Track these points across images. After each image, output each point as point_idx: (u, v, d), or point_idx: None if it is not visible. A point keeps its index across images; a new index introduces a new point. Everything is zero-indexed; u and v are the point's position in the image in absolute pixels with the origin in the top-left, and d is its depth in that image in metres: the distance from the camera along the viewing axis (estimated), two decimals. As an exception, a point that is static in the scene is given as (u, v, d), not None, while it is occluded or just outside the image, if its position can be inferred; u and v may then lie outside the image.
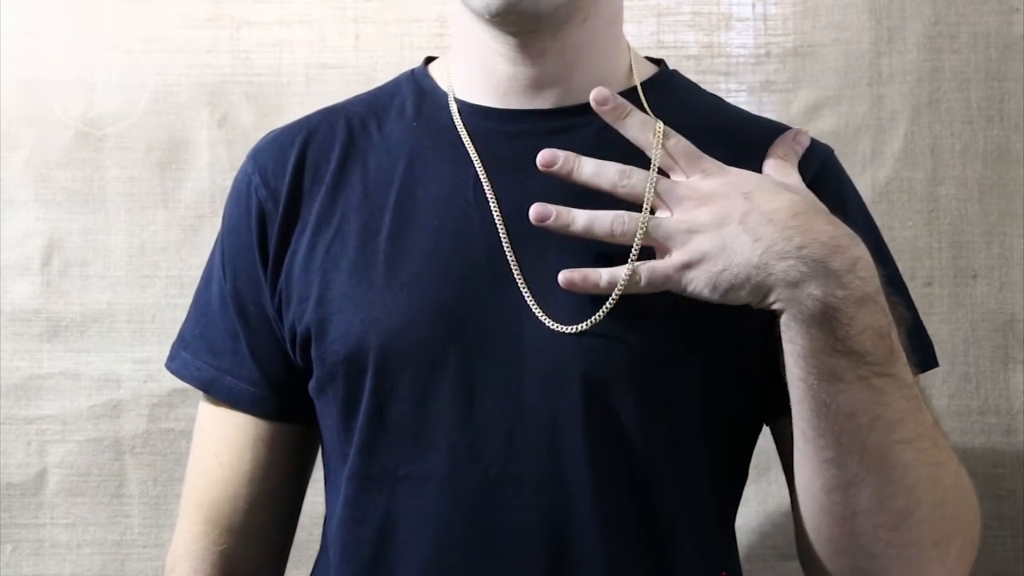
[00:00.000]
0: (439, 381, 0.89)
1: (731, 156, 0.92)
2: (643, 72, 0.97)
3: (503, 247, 0.89)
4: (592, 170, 0.85)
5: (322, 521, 1.00)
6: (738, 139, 0.94)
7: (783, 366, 0.85)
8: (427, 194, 0.92)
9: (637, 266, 0.84)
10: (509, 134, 0.93)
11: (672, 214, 0.84)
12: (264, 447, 0.99)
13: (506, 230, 0.90)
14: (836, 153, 0.98)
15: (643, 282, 0.84)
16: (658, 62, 1.00)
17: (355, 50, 1.40)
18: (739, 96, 1.36)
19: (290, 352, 0.95)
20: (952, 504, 0.86)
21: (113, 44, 1.40)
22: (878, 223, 1.00)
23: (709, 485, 0.92)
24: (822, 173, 0.94)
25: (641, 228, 0.83)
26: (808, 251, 0.80)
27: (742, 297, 0.82)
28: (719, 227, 0.81)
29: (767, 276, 0.80)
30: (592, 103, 0.85)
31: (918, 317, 0.98)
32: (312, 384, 0.94)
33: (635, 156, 0.87)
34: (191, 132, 1.40)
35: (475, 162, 0.92)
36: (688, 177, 0.85)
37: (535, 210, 0.85)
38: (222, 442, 1.00)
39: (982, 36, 1.35)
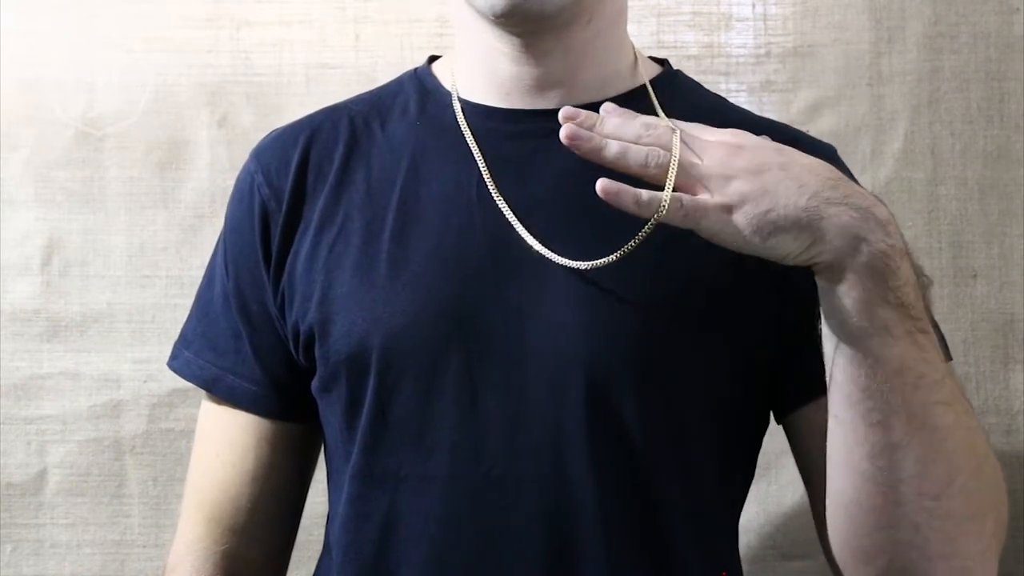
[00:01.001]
0: (442, 381, 0.89)
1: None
2: (648, 72, 0.97)
3: (507, 246, 0.89)
4: (615, 123, 0.82)
5: (322, 521, 1.00)
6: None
7: (799, 360, 0.85)
8: (430, 193, 0.92)
9: (681, 195, 0.79)
10: (513, 134, 0.93)
11: (705, 161, 0.80)
12: (266, 446, 0.99)
13: (510, 230, 0.90)
14: (836, 149, 0.98)
15: (683, 211, 0.79)
16: (662, 62, 1.00)
17: (355, 50, 1.40)
18: (739, 96, 1.36)
19: (293, 351, 0.95)
20: (987, 475, 0.86)
21: (113, 44, 1.40)
22: (878, 223, 1.00)
23: (712, 486, 0.92)
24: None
25: (655, 159, 0.80)
26: (854, 199, 0.79)
27: (787, 243, 0.79)
28: (758, 173, 0.79)
29: (819, 219, 0.78)
30: (560, 119, 0.82)
31: (931, 313, 0.98)
32: (315, 383, 0.94)
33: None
34: (191, 132, 1.40)
35: (479, 161, 0.92)
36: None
37: (565, 130, 0.80)
38: (224, 441, 1.00)
39: (982, 36, 1.35)
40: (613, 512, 0.89)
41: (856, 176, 1.01)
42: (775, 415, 0.97)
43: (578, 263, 0.87)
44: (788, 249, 0.80)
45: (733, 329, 0.90)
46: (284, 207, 0.95)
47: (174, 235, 1.40)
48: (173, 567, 1.01)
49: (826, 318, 0.82)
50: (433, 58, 1.01)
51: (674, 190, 0.79)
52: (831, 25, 1.37)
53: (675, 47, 1.38)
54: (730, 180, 0.79)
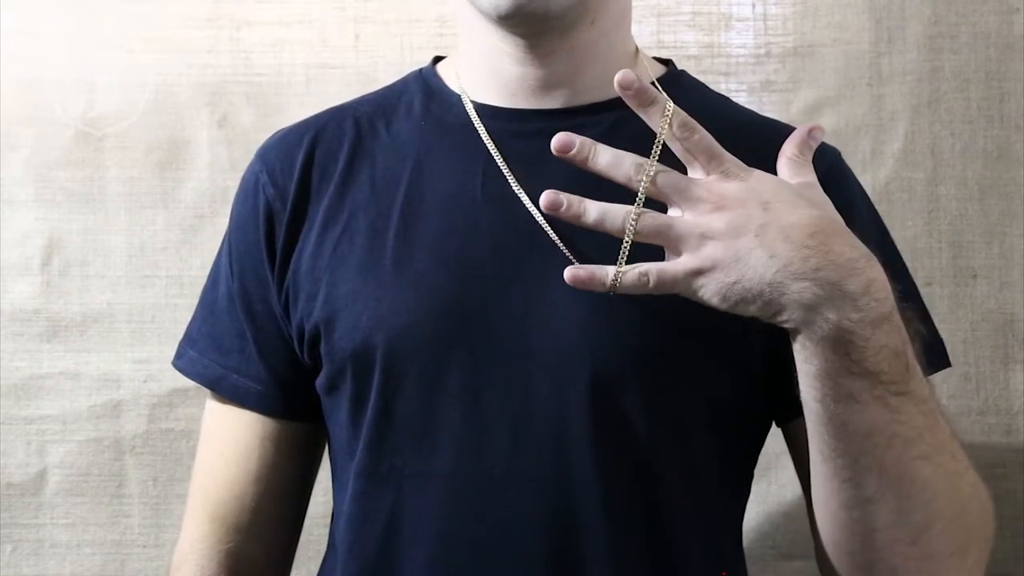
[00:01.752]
0: (446, 379, 0.89)
1: (738, 156, 0.92)
2: (653, 72, 0.97)
3: (511, 246, 0.90)
4: (608, 160, 0.80)
5: (323, 521, 1.01)
6: (745, 140, 0.94)
7: (797, 385, 0.83)
8: (435, 193, 0.93)
9: (647, 268, 0.79)
10: (517, 134, 0.93)
11: (685, 214, 0.79)
12: (271, 445, 0.99)
13: (515, 229, 0.90)
14: (840, 152, 0.98)
15: (651, 284, 0.79)
16: (666, 62, 1.01)
17: (355, 50, 1.40)
18: (739, 96, 1.36)
19: (297, 350, 0.96)
20: (971, 513, 0.86)
21: (113, 44, 1.40)
22: (879, 223, 1.00)
23: (715, 486, 0.93)
24: (830, 176, 0.94)
25: (632, 224, 0.79)
26: (824, 274, 0.77)
27: (752, 311, 0.79)
28: (734, 237, 0.78)
29: (780, 295, 0.77)
30: (616, 86, 0.81)
31: (929, 318, 0.98)
32: (321, 381, 0.95)
33: (643, 155, 0.87)
34: (191, 132, 1.40)
35: (497, 159, 0.92)
36: (707, 175, 0.80)
37: (546, 197, 0.80)
38: (229, 441, 1.00)
39: (982, 36, 1.35)
40: (616, 510, 0.89)
41: (856, 176, 1.01)
42: (776, 420, 0.97)
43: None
44: (754, 315, 0.80)
45: (736, 333, 0.90)
46: (289, 206, 0.95)
47: (174, 235, 1.40)
48: (178, 566, 1.01)
49: (799, 376, 0.82)
50: (438, 58, 1.02)
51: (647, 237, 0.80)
52: (831, 25, 1.37)
53: (675, 47, 1.38)
54: (705, 241, 0.78)
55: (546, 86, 0.93)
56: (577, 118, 0.92)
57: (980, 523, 0.88)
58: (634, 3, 1.04)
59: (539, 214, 0.90)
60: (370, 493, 0.92)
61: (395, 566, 0.91)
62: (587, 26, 0.91)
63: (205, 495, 1.01)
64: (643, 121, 0.93)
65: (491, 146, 0.93)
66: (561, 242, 0.89)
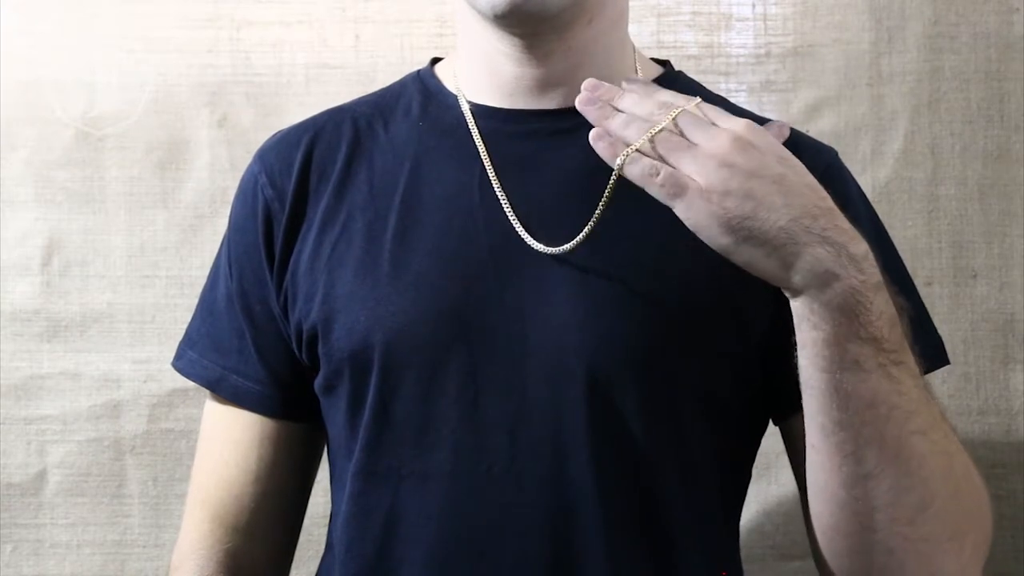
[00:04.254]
0: (443, 379, 0.89)
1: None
2: (649, 73, 0.97)
3: (508, 246, 0.90)
4: (633, 100, 0.83)
5: (321, 521, 1.01)
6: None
7: (796, 365, 0.84)
8: (432, 194, 0.93)
9: (660, 165, 0.79)
10: (515, 134, 0.93)
11: (706, 147, 0.80)
12: (270, 446, 0.99)
13: (512, 230, 0.90)
14: (837, 152, 0.98)
15: (659, 179, 0.79)
16: (664, 63, 1.01)
17: (355, 50, 1.40)
18: (739, 96, 1.36)
19: (296, 350, 0.96)
20: (966, 496, 0.86)
21: (113, 44, 1.40)
22: (878, 223, 1.00)
23: (712, 484, 0.93)
24: (827, 176, 0.94)
25: (649, 136, 0.80)
26: (832, 234, 0.79)
27: (758, 257, 0.79)
28: (751, 175, 0.78)
29: (792, 245, 0.78)
30: (579, 102, 0.83)
31: (928, 316, 0.98)
32: (318, 382, 0.95)
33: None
34: (191, 132, 1.40)
35: (485, 162, 0.92)
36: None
37: (582, 97, 0.83)
38: (228, 441, 1.00)
39: (982, 36, 1.35)
40: (614, 510, 0.89)
41: (856, 176, 1.01)
42: (773, 418, 0.97)
43: (551, 249, 0.88)
44: (760, 264, 0.79)
45: (732, 331, 0.90)
46: (287, 208, 0.95)
47: (174, 235, 1.40)
48: (177, 566, 1.01)
49: (799, 349, 0.82)
50: (436, 60, 1.02)
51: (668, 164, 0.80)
52: (831, 25, 1.37)
53: (675, 47, 1.38)
54: (721, 170, 0.78)
55: (543, 86, 0.93)
56: (574, 118, 0.92)
57: (975, 509, 0.88)
58: (634, 3, 1.04)
59: (515, 218, 0.90)
60: (368, 493, 0.92)
61: (393, 566, 0.91)
62: (584, 26, 0.91)
63: (205, 495, 1.01)
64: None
65: (487, 147, 0.93)
66: (540, 243, 0.89)
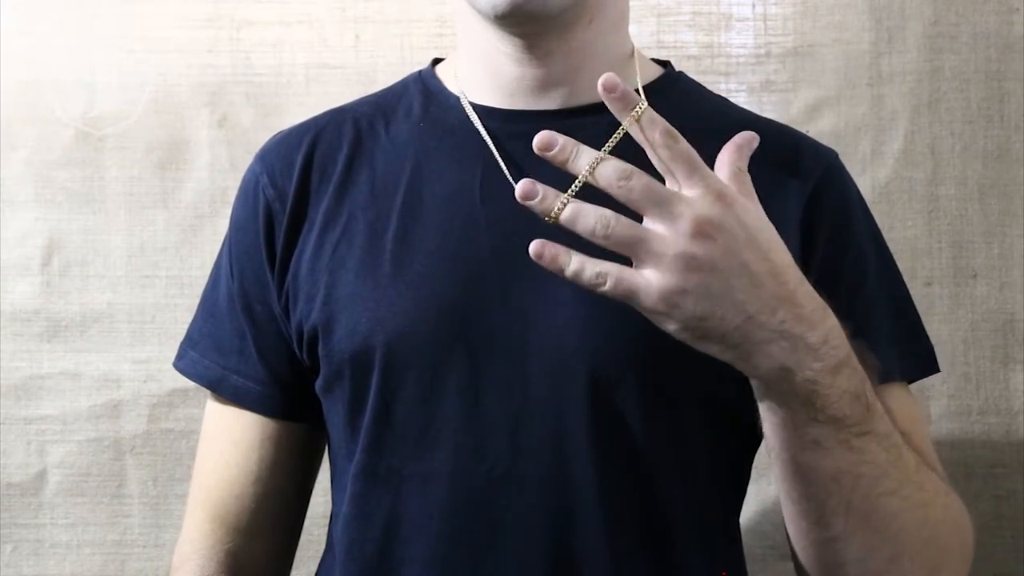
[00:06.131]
0: (445, 380, 0.89)
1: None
2: (648, 74, 0.97)
3: (510, 247, 0.90)
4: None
5: (322, 521, 1.01)
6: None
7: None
8: (433, 194, 0.93)
9: (608, 269, 0.74)
10: (515, 134, 0.93)
11: (662, 229, 0.74)
12: (271, 446, 0.99)
13: (514, 231, 0.90)
14: (838, 154, 0.98)
15: (607, 287, 0.74)
16: (664, 63, 1.00)
17: (355, 50, 1.40)
18: (739, 96, 1.36)
19: (297, 351, 0.96)
20: (943, 536, 0.87)
21: (113, 44, 1.40)
22: (878, 223, 1.00)
23: (713, 485, 0.93)
24: (827, 176, 0.94)
25: (605, 229, 0.73)
26: (788, 326, 0.76)
27: (715, 352, 0.77)
28: (710, 270, 0.74)
29: (746, 343, 0.76)
30: (600, 88, 0.76)
31: (919, 322, 0.98)
32: (319, 383, 0.95)
33: (640, 156, 0.87)
34: (191, 132, 1.40)
35: (499, 160, 0.92)
36: (687, 189, 0.75)
37: (521, 186, 0.75)
38: (229, 441, 1.00)
39: (982, 36, 1.35)
40: (614, 511, 0.89)
41: (856, 176, 1.01)
42: None
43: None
44: (715, 355, 0.78)
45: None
46: (288, 208, 0.95)
47: (174, 235, 1.40)
48: (178, 566, 1.01)
49: (761, 418, 0.82)
50: (437, 60, 1.02)
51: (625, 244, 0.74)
52: (831, 25, 1.37)
53: (675, 47, 1.38)
54: (680, 266, 0.73)
55: (544, 86, 0.93)
56: (575, 119, 0.92)
57: (953, 543, 0.89)
58: (634, 3, 1.04)
59: (535, 215, 0.90)
60: (369, 494, 0.92)
61: (394, 567, 0.91)
62: (584, 26, 0.91)
63: (205, 495, 1.01)
64: None
65: (490, 147, 0.93)
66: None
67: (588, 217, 0.74)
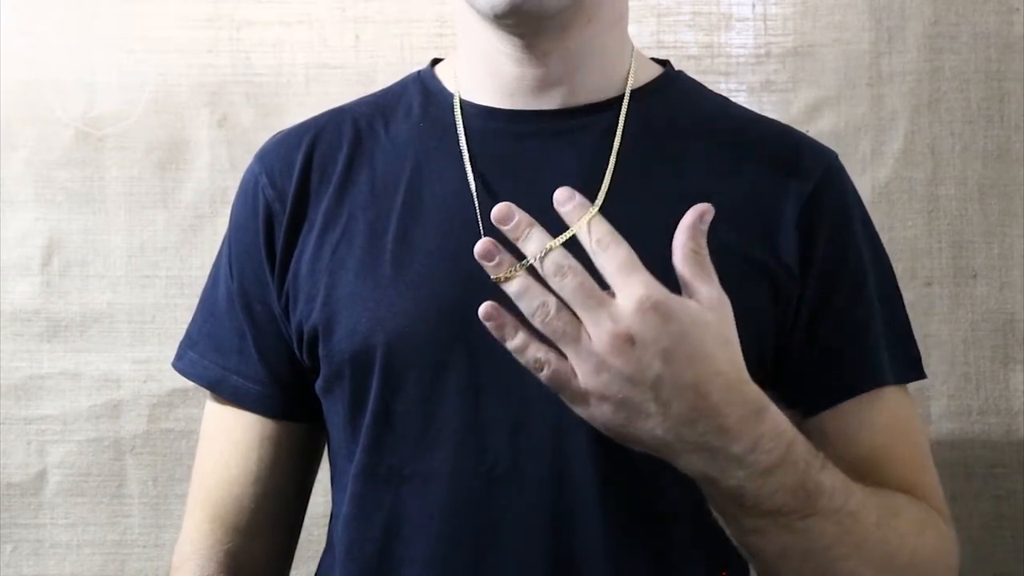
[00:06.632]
0: (445, 380, 0.89)
1: (735, 158, 0.92)
2: (647, 74, 0.97)
3: (509, 246, 0.90)
4: (534, 250, 0.75)
5: (322, 521, 1.01)
6: (742, 140, 0.94)
7: (802, 369, 0.86)
8: (433, 195, 0.93)
9: (549, 359, 0.75)
10: (515, 134, 0.93)
11: (591, 332, 0.74)
12: (270, 446, 0.99)
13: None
14: (837, 155, 0.98)
15: (543, 374, 0.76)
16: (663, 63, 1.00)
17: (355, 50, 1.40)
18: (739, 96, 1.36)
19: (297, 351, 0.96)
20: (917, 567, 0.88)
21: (113, 44, 1.40)
22: (878, 223, 1.00)
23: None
24: (827, 177, 0.94)
25: (541, 312, 0.74)
26: (708, 439, 0.76)
27: (638, 449, 0.78)
28: (629, 382, 0.74)
29: (665, 449, 0.77)
30: (554, 201, 0.76)
31: (908, 327, 0.98)
32: (319, 383, 0.95)
33: (639, 158, 0.87)
34: (191, 132, 1.40)
35: (466, 164, 0.92)
36: (619, 299, 0.74)
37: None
38: (228, 441, 1.00)
39: (982, 36, 1.35)
40: (614, 511, 0.89)
41: (856, 176, 1.01)
42: None
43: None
44: (640, 451, 0.78)
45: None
46: (288, 208, 0.95)
47: (174, 235, 1.40)
48: (177, 566, 1.01)
49: None
50: (436, 60, 1.02)
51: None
52: (831, 25, 1.37)
53: (675, 47, 1.38)
54: (599, 374, 0.74)
55: (543, 86, 0.93)
56: (574, 119, 0.92)
57: (931, 571, 0.89)
58: (634, 3, 1.04)
59: (535, 216, 0.90)
60: (369, 494, 0.92)
61: (394, 566, 0.91)
62: (583, 26, 0.91)
63: (205, 495, 1.01)
64: (640, 123, 0.93)
65: (465, 150, 0.93)
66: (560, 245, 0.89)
67: (532, 299, 0.75)
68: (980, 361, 1.36)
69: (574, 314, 0.75)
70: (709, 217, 0.78)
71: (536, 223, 0.76)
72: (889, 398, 0.94)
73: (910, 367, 0.97)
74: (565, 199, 0.76)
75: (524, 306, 0.75)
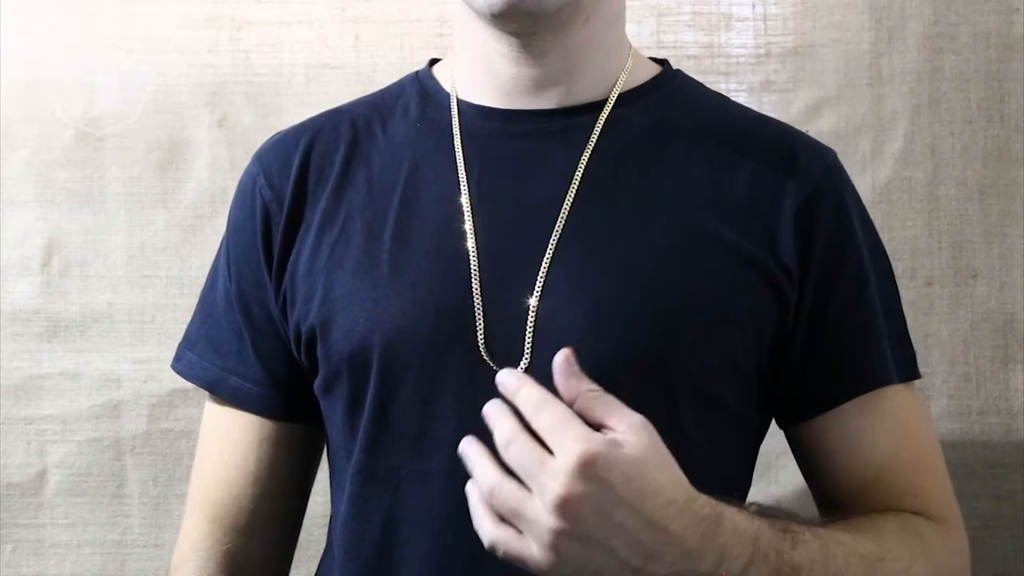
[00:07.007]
0: (443, 380, 0.89)
1: (733, 156, 0.92)
2: (645, 73, 0.97)
3: (507, 247, 0.90)
4: (488, 414, 0.77)
5: (322, 521, 1.01)
6: (740, 139, 0.94)
7: (803, 373, 0.86)
8: (431, 194, 0.93)
9: (498, 540, 0.76)
10: (512, 134, 0.93)
11: (535, 496, 0.74)
12: (269, 447, 0.99)
13: (506, 230, 0.90)
14: (836, 153, 0.98)
15: (499, 553, 0.76)
16: (661, 62, 1.01)
17: (355, 50, 1.40)
18: (739, 96, 1.36)
19: (295, 352, 0.96)
20: None
21: (113, 44, 1.40)
22: (878, 223, 1.01)
23: (712, 486, 0.92)
24: (826, 176, 0.94)
25: (489, 494, 0.76)
26: (678, 566, 0.76)
27: None
28: (583, 543, 0.74)
29: None
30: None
31: (904, 327, 0.98)
32: (317, 383, 0.95)
33: (636, 156, 0.87)
34: (191, 132, 1.40)
35: (459, 164, 0.92)
36: (556, 458, 0.74)
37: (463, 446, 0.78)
38: (227, 442, 1.00)
39: (982, 36, 1.35)
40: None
41: (856, 176, 1.01)
42: (777, 421, 0.98)
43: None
44: None
45: (731, 333, 0.90)
46: (285, 209, 0.95)
47: (174, 235, 1.40)
48: (176, 567, 1.01)
49: None
50: (434, 61, 1.02)
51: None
52: (831, 25, 1.37)
53: (675, 47, 1.38)
54: (554, 540, 0.74)
55: (540, 86, 0.93)
56: (571, 118, 0.93)
57: None
58: (634, 3, 1.05)
59: (532, 216, 0.90)
60: (367, 494, 0.92)
61: (393, 566, 0.91)
62: (581, 25, 0.91)
63: (204, 496, 1.01)
64: (637, 122, 0.94)
65: (459, 151, 0.93)
66: (556, 245, 0.89)
67: (482, 481, 0.76)
68: (980, 361, 1.36)
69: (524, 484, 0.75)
70: (573, 359, 0.77)
71: (506, 413, 0.76)
72: (892, 398, 0.94)
73: (907, 365, 0.97)
74: (502, 381, 0.77)
75: (476, 485, 0.77)
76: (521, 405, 0.76)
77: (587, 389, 0.77)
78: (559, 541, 0.73)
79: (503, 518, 0.76)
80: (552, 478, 0.73)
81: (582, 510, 0.73)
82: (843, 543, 0.85)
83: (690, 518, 0.77)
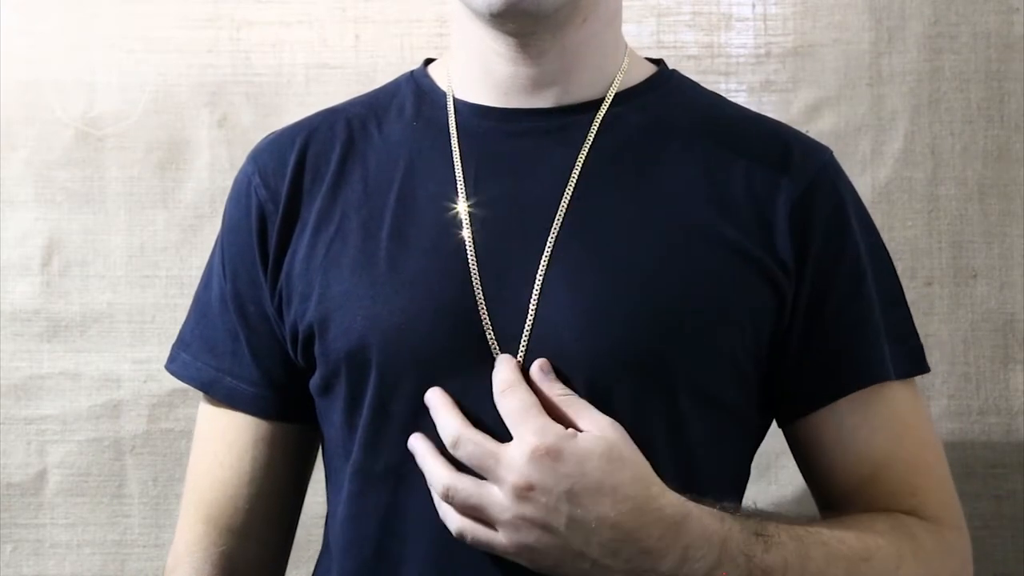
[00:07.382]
0: (441, 378, 0.89)
1: (728, 155, 0.93)
2: (641, 72, 0.97)
3: (505, 244, 0.90)
4: (439, 423, 0.85)
5: (320, 521, 1.00)
6: (735, 137, 0.94)
7: (801, 371, 0.87)
8: (427, 192, 0.93)
9: (464, 530, 0.83)
10: (509, 133, 0.93)
11: (494, 489, 0.81)
12: (264, 447, 0.99)
13: (503, 229, 0.90)
14: (836, 153, 0.98)
15: (468, 541, 0.83)
16: (657, 62, 1.01)
17: (355, 50, 1.40)
18: (739, 96, 1.36)
19: (291, 351, 0.96)
20: None
21: (113, 44, 1.40)
22: (878, 223, 1.00)
23: (711, 485, 0.92)
24: (822, 174, 0.94)
25: (451, 493, 0.83)
26: (635, 563, 0.79)
27: None
28: (543, 530, 0.80)
29: None
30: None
31: (910, 322, 0.98)
32: (314, 382, 0.94)
33: (633, 155, 0.87)
34: (191, 132, 1.40)
35: (456, 162, 0.92)
36: (515, 446, 0.81)
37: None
38: (222, 442, 1.00)
39: (982, 36, 1.35)
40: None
41: (856, 176, 1.01)
42: (777, 420, 0.97)
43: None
44: None
45: (730, 332, 0.90)
46: (281, 208, 0.95)
47: (174, 235, 1.40)
48: (172, 568, 1.01)
49: None
50: (429, 60, 1.02)
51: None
52: (831, 25, 1.37)
53: (675, 47, 1.38)
54: (517, 528, 0.80)
55: (537, 85, 0.93)
56: (568, 116, 0.93)
57: None
58: (634, 3, 1.05)
59: (530, 214, 0.90)
60: (366, 492, 0.92)
61: (392, 565, 0.91)
62: (578, 25, 0.92)
63: (199, 497, 1.00)
64: (633, 121, 0.94)
65: (456, 150, 0.93)
66: (554, 244, 0.89)
67: (436, 483, 0.84)
68: (980, 361, 1.36)
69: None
70: (548, 368, 0.86)
71: (449, 406, 0.85)
72: (889, 395, 0.94)
73: (911, 361, 0.97)
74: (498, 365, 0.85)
75: (436, 491, 0.84)
76: (494, 384, 0.84)
77: (558, 393, 0.83)
78: (521, 527, 0.80)
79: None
80: (508, 469, 0.80)
81: (539, 498, 0.79)
82: (824, 543, 0.86)
83: (649, 517, 0.79)
